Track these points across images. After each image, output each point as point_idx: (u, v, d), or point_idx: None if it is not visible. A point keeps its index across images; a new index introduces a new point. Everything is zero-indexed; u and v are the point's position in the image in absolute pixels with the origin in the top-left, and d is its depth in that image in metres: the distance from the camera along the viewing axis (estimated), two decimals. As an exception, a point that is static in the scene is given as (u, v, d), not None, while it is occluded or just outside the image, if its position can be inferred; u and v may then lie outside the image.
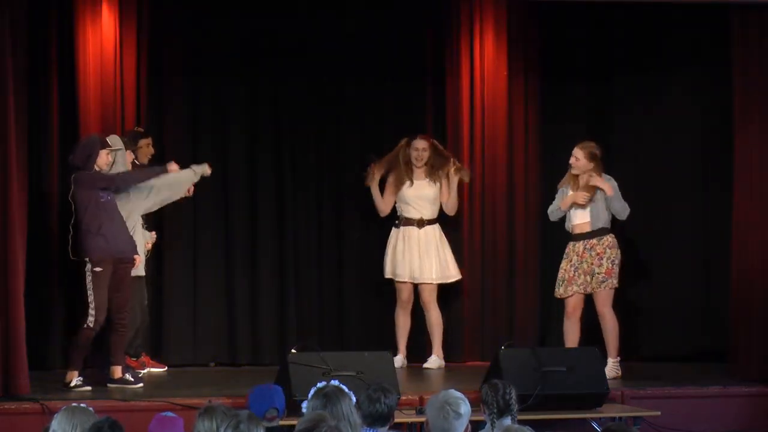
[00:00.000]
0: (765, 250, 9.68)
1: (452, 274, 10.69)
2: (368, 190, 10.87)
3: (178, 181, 9.65)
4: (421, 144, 10.64)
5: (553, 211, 10.10)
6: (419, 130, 10.95)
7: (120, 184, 9.32)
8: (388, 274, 10.69)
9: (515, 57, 11.25)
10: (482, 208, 11.20)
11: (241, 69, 10.89)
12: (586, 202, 9.91)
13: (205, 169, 9.70)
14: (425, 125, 11.14)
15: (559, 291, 10.00)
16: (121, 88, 10.52)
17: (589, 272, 9.87)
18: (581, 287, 9.90)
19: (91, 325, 9.06)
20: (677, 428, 9.04)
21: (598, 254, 9.87)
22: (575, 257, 9.92)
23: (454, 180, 10.68)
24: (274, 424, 6.71)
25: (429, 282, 10.60)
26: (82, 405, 5.65)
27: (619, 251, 9.93)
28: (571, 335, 9.98)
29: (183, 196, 9.79)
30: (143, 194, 9.57)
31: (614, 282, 9.89)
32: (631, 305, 10.95)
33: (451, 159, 10.72)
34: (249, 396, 7.16)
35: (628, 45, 11.16)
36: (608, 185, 9.88)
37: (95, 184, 9.15)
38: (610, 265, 9.87)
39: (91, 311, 9.05)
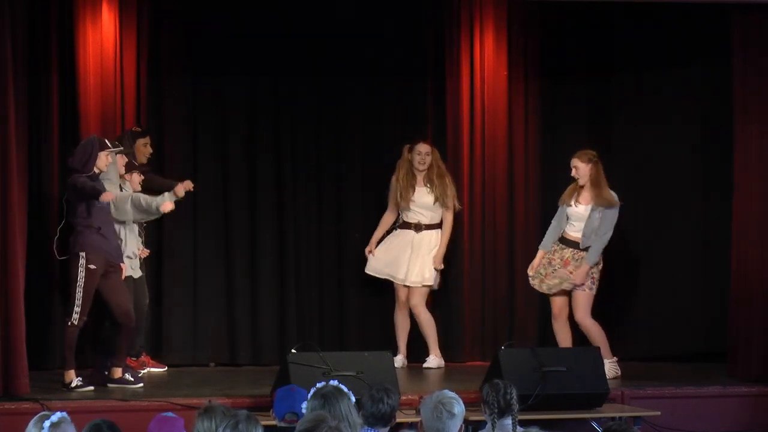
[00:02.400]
0: (765, 250, 9.68)
1: (426, 278, 10.64)
2: (368, 187, 10.91)
3: (150, 207, 9.55)
4: (424, 148, 10.62)
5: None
6: (419, 130, 10.95)
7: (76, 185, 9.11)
8: (367, 269, 10.67)
9: (515, 57, 11.25)
10: (482, 208, 11.20)
11: (241, 69, 10.89)
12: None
13: (175, 195, 9.52)
14: (425, 125, 11.14)
15: (534, 282, 10.00)
16: (121, 88, 10.53)
17: (562, 276, 9.84)
18: (551, 290, 9.88)
19: (75, 322, 9.05)
20: (677, 428, 9.04)
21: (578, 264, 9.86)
22: (558, 261, 9.90)
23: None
24: (292, 426, 6.69)
25: (413, 285, 10.58)
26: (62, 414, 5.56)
27: (599, 265, 9.87)
28: (562, 336, 9.97)
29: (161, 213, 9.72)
30: (125, 209, 9.59)
31: (588, 291, 9.84)
32: (631, 305, 10.95)
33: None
34: (275, 396, 7.18)
35: (627, 45, 11.15)
36: (582, 274, 9.81)
37: (73, 191, 9.13)
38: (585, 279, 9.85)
39: (77, 308, 9.04)
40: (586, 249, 9.81)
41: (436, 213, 10.66)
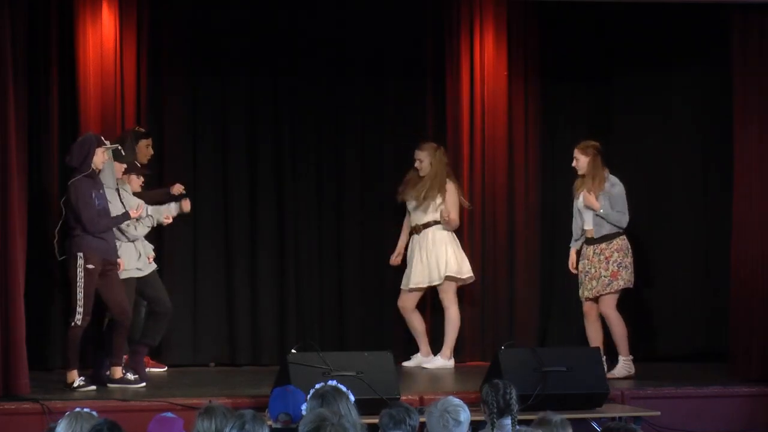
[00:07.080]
0: (765, 250, 9.68)
1: (464, 271, 10.65)
2: (368, 187, 10.92)
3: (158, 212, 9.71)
4: (417, 154, 10.62)
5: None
6: (419, 130, 10.96)
7: (87, 226, 9.12)
8: (403, 285, 10.71)
9: (515, 57, 11.25)
10: (482, 208, 11.19)
11: (241, 68, 10.89)
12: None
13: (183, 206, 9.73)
14: (425, 125, 11.15)
15: (579, 293, 10.04)
16: (121, 88, 10.52)
17: (596, 277, 9.87)
18: (591, 292, 9.92)
19: (79, 322, 9.04)
20: (677, 428, 9.05)
21: (606, 258, 9.88)
22: (586, 261, 9.94)
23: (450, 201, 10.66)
24: (290, 426, 6.68)
25: (422, 286, 10.60)
26: (86, 409, 5.63)
27: (627, 253, 9.90)
28: (592, 334, 10.01)
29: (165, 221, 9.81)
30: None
31: (619, 284, 9.87)
32: (631, 306, 10.95)
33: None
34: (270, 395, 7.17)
35: (628, 45, 11.15)
36: (597, 204, 9.86)
37: (75, 208, 9.10)
38: (616, 268, 9.86)
39: (79, 309, 9.03)
40: (607, 239, 9.82)
41: (428, 213, 10.64)
